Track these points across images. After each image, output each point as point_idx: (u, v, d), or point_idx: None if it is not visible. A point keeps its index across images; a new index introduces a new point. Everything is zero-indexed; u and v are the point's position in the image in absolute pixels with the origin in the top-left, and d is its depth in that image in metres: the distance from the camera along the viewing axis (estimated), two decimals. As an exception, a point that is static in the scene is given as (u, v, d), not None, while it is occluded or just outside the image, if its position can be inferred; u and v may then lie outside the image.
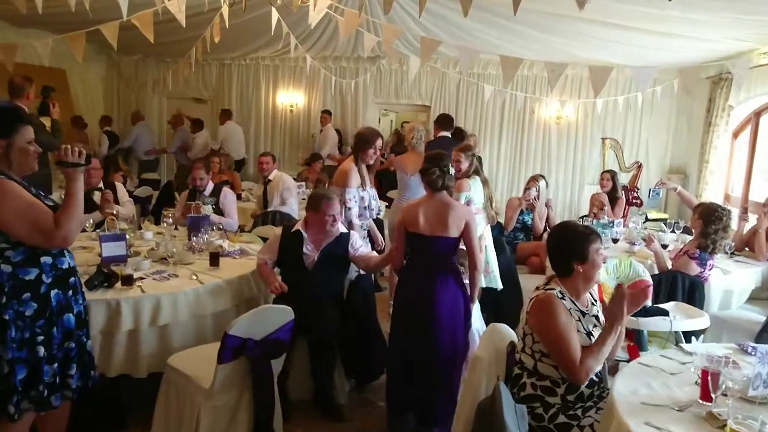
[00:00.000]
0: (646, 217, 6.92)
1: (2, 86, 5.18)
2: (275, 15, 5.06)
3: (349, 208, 3.92)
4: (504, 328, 2.70)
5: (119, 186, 5.02)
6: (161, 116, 11.06)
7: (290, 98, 10.69)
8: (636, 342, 3.36)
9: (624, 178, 8.55)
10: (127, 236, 3.69)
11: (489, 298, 4.24)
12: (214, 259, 3.55)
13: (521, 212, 5.75)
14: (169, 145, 10.02)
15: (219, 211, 4.81)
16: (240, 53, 10.14)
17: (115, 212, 4.19)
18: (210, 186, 5.01)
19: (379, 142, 4.11)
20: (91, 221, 4.12)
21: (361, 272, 3.68)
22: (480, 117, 10.12)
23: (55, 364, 2.37)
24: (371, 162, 4.16)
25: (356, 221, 3.97)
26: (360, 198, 3.96)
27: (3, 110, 2.29)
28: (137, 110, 10.44)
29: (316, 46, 9.13)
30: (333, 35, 8.31)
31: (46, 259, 2.32)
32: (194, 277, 3.31)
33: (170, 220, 4.23)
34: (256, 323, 2.68)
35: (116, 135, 9.80)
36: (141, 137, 9.75)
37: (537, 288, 2.54)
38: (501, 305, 4.38)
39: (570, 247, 2.44)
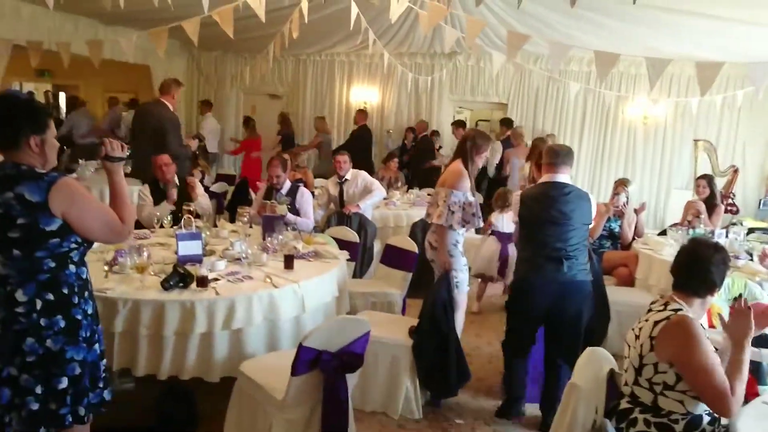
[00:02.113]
0: (748, 228, 6.33)
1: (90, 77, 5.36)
2: (354, 10, 4.92)
3: (453, 212, 3.61)
4: (603, 353, 2.43)
5: (196, 181, 5.02)
6: (238, 111, 11.22)
7: (364, 95, 10.60)
8: (754, 375, 3.00)
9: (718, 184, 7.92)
10: (203, 234, 3.65)
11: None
12: (289, 261, 3.44)
13: (608, 219, 5.36)
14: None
15: (294, 210, 4.71)
16: (316, 49, 10.13)
17: (192, 208, 4.17)
18: (287, 185, 4.91)
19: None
20: (169, 218, 4.12)
21: (446, 283, 3.48)
22: (560, 116, 9.68)
23: (104, 361, 2.35)
24: (480, 166, 3.94)
25: (459, 228, 3.70)
26: (468, 203, 3.66)
27: (35, 104, 2.18)
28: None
29: (393, 42, 8.96)
30: (411, 30, 8.12)
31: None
32: (268, 279, 3.21)
33: (245, 218, 4.16)
34: (332, 335, 2.54)
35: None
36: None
37: (650, 310, 2.26)
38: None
39: (711, 273, 2.17)
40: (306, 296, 3.22)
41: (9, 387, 2.09)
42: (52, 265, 2.12)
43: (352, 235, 4.58)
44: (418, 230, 5.61)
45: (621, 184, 5.61)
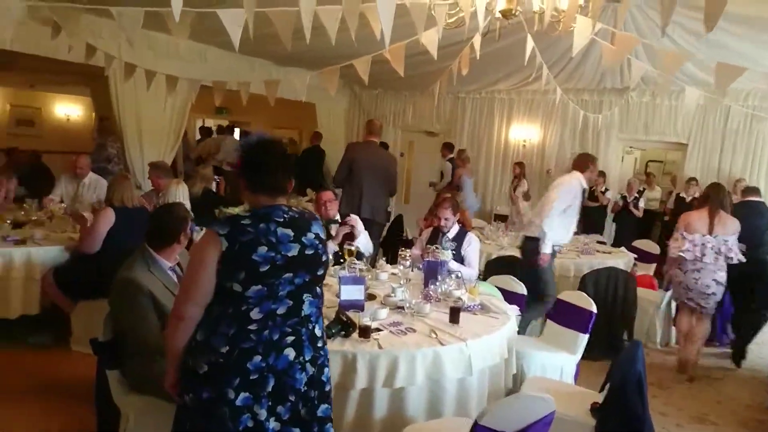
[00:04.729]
0: None
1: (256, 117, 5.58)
2: (530, 43, 4.60)
3: None
4: None
5: (357, 219, 4.89)
6: (395, 147, 11.31)
7: (524, 133, 10.17)
8: None
9: None
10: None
11: None
12: (455, 315, 3.14)
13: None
14: None
15: (458, 257, 4.39)
16: (476, 87, 9.93)
17: (354, 248, 4.05)
18: (455, 229, 4.60)
19: None
20: (330, 257, 4.03)
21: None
22: (754, 157, 8.46)
23: None
24: None
25: None
26: None
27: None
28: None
29: (558, 78, 8.49)
30: (580, 64, 7.61)
31: None
32: (433, 334, 2.93)
33: (408, 262, 3.95)
34: (512, 413, 2.18)
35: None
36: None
37: None
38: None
39: None
40: (473, 356, 2.88)
41: (301, 426, 2.12)
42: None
43: (518, 286, 4.17)
44: (590, 283, 5.05)
45: None
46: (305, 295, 2.13)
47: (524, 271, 4.73)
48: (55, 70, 7.33)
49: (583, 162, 5.02)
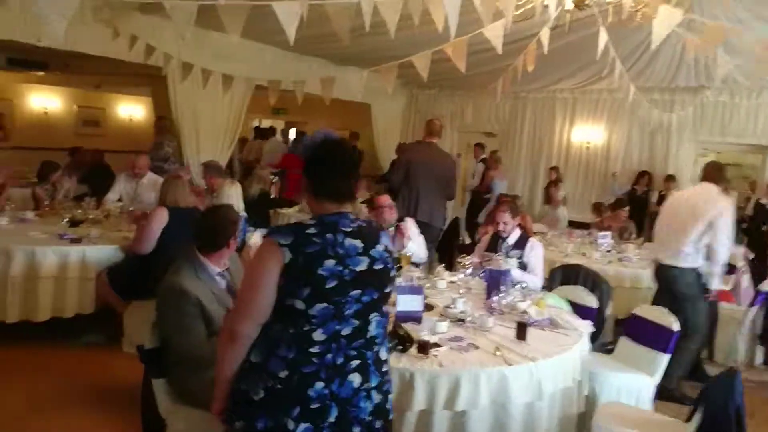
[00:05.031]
0: None
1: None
2: (603, 37, 4.26)
3: None
4: None
5: (407, 226, 4.62)
6: (452, 149, 11.02)
7: (587, 134, 9.71)
8: None
9: None
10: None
11: None
12: (522, 330, 2.87)
13: None
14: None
15: (521, 264, 4.12)
16: (538, 86, 9.53)
17: (409, 253, 3.83)
18: (515, 233, 4.33)
19: None
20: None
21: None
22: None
23: None
24: None
25: None
26: None
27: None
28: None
29: (628, 74, 8.01)
30: (652, 60, 7.12)
31: None
32: (498, 352, 2.67)
33: (469, 270, 3.68)
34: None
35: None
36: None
37: None
38: None
39: None
40: (543, 378, 2.61)
41: None
42: None
43: (589, 298, 3.84)
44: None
45: None
46: (372, 315, 1.89)
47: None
48: (119, 71, 7.45)
49: (721, 174, 4.40)
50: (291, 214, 6.80)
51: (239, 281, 2.92)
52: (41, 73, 9.52)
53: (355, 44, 6.37)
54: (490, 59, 5.14)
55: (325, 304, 1.78)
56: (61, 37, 5.01)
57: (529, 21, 4.02)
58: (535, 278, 4.14)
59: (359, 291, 1.84)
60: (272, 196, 7.13)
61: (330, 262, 1.78)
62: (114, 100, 12.57)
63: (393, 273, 2.00)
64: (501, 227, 4.40)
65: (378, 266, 1.89)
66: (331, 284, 1.78)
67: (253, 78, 5.49)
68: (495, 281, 3.50)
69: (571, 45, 5.71)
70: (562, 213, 8.00)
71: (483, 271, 3.85)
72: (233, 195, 4.90)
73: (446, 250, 6.60)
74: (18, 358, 4.13)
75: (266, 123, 13.98)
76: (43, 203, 5.55)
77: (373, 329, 1.90)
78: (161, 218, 4.31)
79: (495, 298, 3.33)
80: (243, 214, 4.83)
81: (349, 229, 1.86)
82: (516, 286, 3.46)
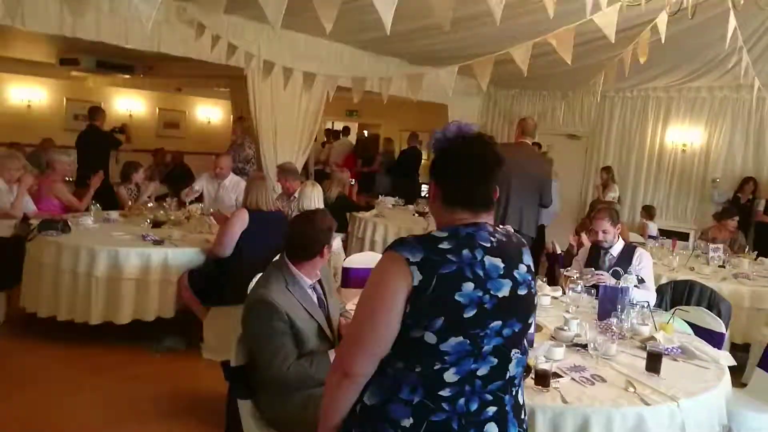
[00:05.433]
0: None
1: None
2: (732, 23, 3.76)
3: None
4: None
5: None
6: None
7: (684, 136, 8.98)
8: None
9: None
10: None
11: None
12: (655, 362, 2.45)
13: None
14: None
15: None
16: (628, 84, 8.89)
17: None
18: (619, 244, 3.91)
19: None
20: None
21: None
22: None
23: None
24: None
25: None
26: None
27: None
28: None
29: (732, 72, 7.30)
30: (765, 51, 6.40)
31: None
32: (631, 388, 2.28)
33: (579, 286, 3.29)
34: None
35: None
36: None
37: None
38: None
39: None
40: (687, 422, 2.19)
41: None
42: None
43: (715, 323, 3.36)
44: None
45: None
46: (513, 351, 1.55)
47: None
48: (200, 73, 7.47)
49: None
50: (368, 218, 6.56)
51: (330, 294, 2.68)
52: (126, 77, 9.75)
53: (441, 42, 6.10)
54: (583, 54, 4.71)
55: (461, 338, 1.45)
56: (149, 36, 5.00)
57: (642, 5, 3.57)
58: (649, 294, 3.69)
59: (500, 322, 1.50)
60: (350, 200, 6.91)
61: (468, 286, 1.45)
62: (193, 103, 12.81)
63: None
64: (601, 236, 3.98)
65: (522, 291, 1.54)
66: (470, 313, 1.45)
67: (336, 76, 5.28)
68: (611, 300, 3.09)
69: (689, 32, 5.10)
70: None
71: (591, 287, 3.45)
72: (315, 197, 4.68)
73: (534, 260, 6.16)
74: (97, 360, 4.06)
75: (338, 125, 13.91)
76: (127, 204, 5.54)
77: (512, 368, 1.55)
78: (242, 221, 4.15)
79: (613, 320, 2.93)
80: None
81: (488, 245, 1.52)
82: (636, 306, 3.03)
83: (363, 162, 11.05)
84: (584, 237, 5.49)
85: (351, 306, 3.11)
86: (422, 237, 1.53)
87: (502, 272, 1.50)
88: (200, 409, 3.51)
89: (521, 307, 1.55)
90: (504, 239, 1.58)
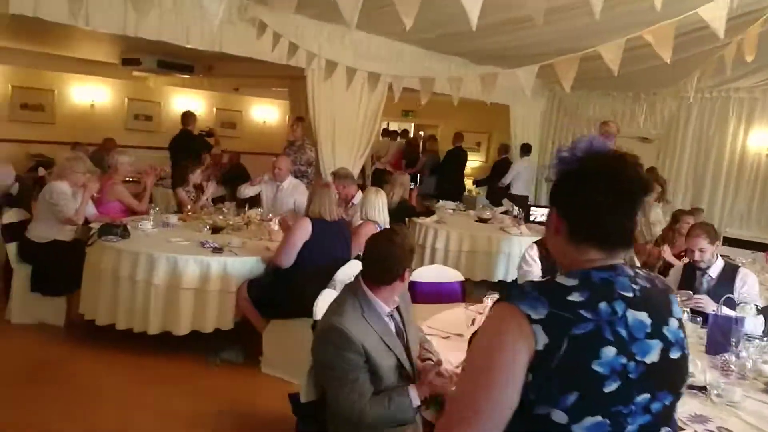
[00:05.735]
0: None
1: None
2: None
3: None
4: None
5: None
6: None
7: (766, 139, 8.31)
8: None
9: None
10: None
11: None
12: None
13: None
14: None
15: (730, 303, 3.23)
16: (709, 84, 8.27)
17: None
18: (718, 264, 3.50)
19: None
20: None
21: None
22: None
23: None
24: None
25: None
26: None
27: None
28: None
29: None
30: None
31: None
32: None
33: (685, 315, 2.90)
34: None
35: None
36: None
37: None
38: None
39: None
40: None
41: None
42: None
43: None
44: None
45: None
46: (663, 430, 1.24)
47: None
48: (258, 73, 7.36)
49: None
50: (429, 225, 6.28)
51: (409, 322, 2.40)
52: (185, 77, 9.78)
53: (510, 40, 5.76)
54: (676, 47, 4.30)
55: (599, 418, 1.14)
56: (210, 36, 4.87)
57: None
58: (758, 323, 3.27)
59: (648, 395, 1.18)
60: (410, 204, 6.64)
61: (609, 351, 1.13)
62: (249, 103, 12.82)
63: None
64: (698, 256, 3.58)
65: (674, 354, 1.22)
66: (611, 387, 1.13)
67: (402, 77, 5.02)
68: (722, 332, 2.71)
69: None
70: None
71: (696, 314, 3.06)
72: (379, 205, 4.41)
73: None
74: (156, 371, 3.93)
75: (393, 126, 13.68)
76: (186, 207, 5.43)
77: None
78: (304, 230, 3.94)
79: (730, 357, 2.55)
80: (387, 226, 4.35)
81: (631, 295, 1.20)
82: (754, 341, 2.65)
83: (407, 163, 10.84)
84: (666, 250, 5.06)
85: (426, 328, 2.84)
86: (545, 285, 1.21)
87: (649, 330, 1.19)
88: (263, 427, 3.33)
89: (674, 375, 1.24)
90: (648, 285, 1.25)
